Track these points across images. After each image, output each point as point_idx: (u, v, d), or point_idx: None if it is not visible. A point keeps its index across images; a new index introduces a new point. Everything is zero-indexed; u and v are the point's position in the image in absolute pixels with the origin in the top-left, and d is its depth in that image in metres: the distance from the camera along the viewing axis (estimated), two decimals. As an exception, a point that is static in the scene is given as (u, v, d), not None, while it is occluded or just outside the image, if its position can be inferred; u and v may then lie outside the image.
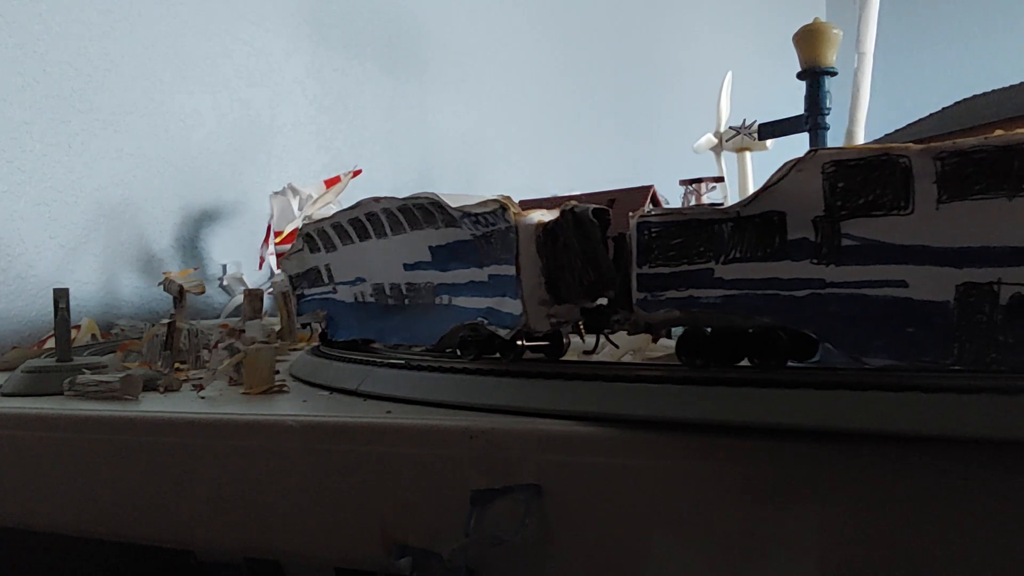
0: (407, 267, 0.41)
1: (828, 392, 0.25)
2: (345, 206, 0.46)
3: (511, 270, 0.33)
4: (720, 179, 1.01)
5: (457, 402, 0.33)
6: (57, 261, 0.82)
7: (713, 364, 0.31)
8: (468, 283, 0.37)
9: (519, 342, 0.35)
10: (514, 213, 0.32)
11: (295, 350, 0.63)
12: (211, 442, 0.36)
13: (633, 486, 0.27)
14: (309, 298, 0.53)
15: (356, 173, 0.97)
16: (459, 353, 0.39)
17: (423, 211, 0.38)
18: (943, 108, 0.62)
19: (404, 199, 0.39)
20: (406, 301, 0.42)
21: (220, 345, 0.49)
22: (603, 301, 0.33)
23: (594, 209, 0.31)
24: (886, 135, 0.63)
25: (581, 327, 0.36)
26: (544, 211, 0.33)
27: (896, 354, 0.26)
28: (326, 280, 0.50)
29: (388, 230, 0.41)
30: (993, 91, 0.60)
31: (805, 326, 0.28)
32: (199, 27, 0.97)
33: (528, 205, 0.36)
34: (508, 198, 0.33)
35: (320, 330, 0.54)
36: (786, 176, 0.27)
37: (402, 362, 0.39)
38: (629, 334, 0.33)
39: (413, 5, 1.29)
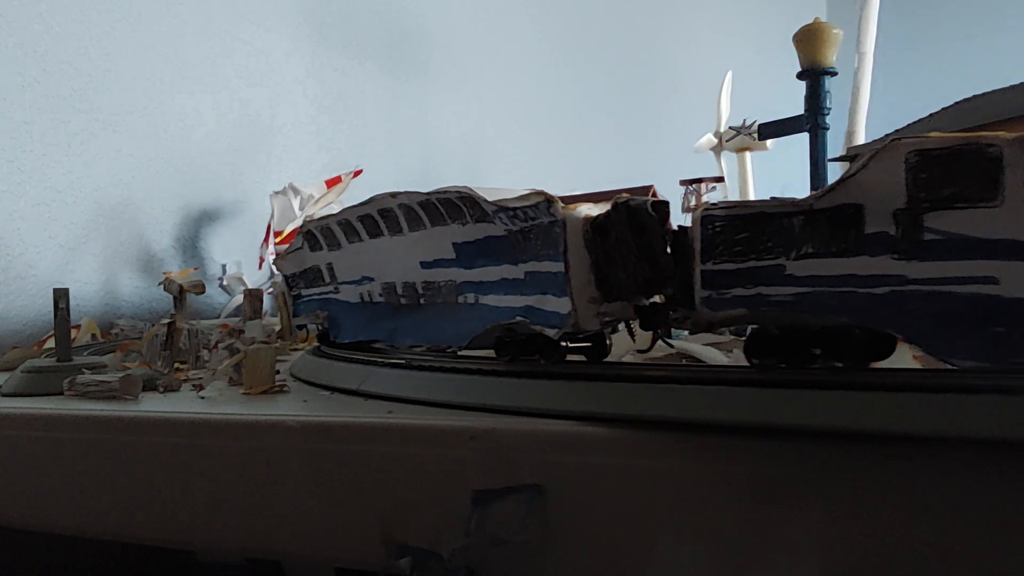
0: (425, 265, 0.40)
1: (828, 392, 0.25)
2: (347, 205, 0.46)
3: (554, 266, 0.31)
4: (720, 179, 1.01)
5: (458, 402, 0.33)
6: (57, 261, 0.82)
7: (784, 365, 0.29)
8: (499, 281, 0.36)
9: (564, 343, 0.34)
10: (562, 207, 0.31)
11: (296, 350, 0.63)
12: (211, 442, 0.36)
13: (635, 486, 0.27)
14: (307, 298, 0.52)
15: (357, 173, 0.97)
16: (496, 354, 0.37)
17: (449, 206, 0.37)
18: (943, 108, 0.62)
19: (428, 193, 0.37)
20: (422, 300, 0.41)
21: (220, 345, 0.49)
22: (657, 298, 0.32)
23: (653, 202, 0.30)
24: (886, 135, 0.63)
25: (632, 326, 0.34)
26: (590, 205, 0.31)
27: (984, 355, 0.24)
28: (327, 280, 0.49)
29: (405, 227, 0.40)
30: (993, 91, 0.59)
31: (884, 325, 0.26)
32: (199, 27, 0.97)
33: (564, 201, 0.35)
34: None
35: (318, 331, 0.54)
36: (865, 167, 0.25)
37: (403, 362, 0.39)
38: (691, 333, 0.32)
39: (414, 5, 1.29)
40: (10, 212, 0.78)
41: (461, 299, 0.38)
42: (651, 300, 0.31)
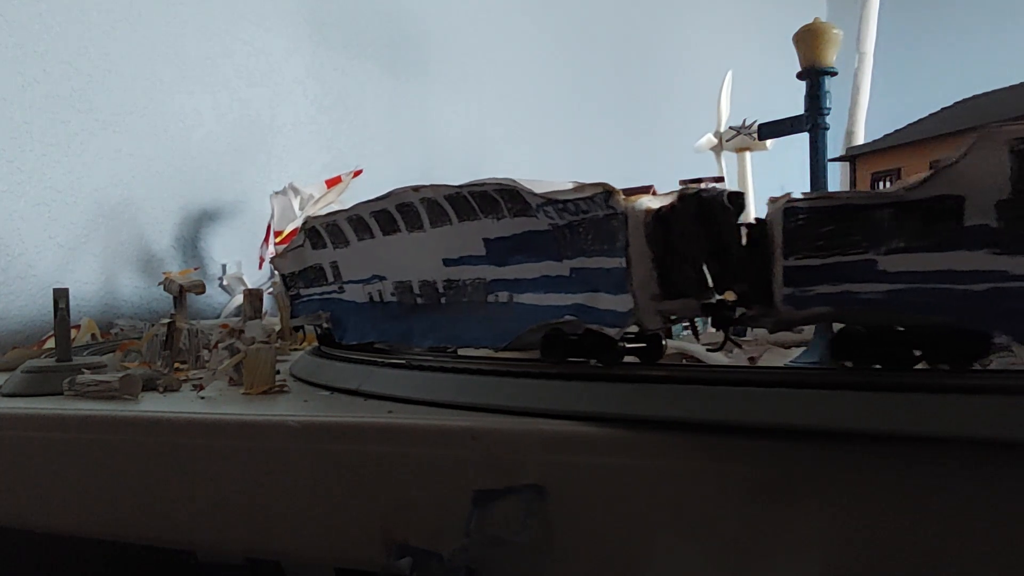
0: (448, 263, 0.38)
1: (829, 392, 0.25)
2: (347, 205, 0.45)
3: (608, 262, 0.30)
4: (720, 179, 1.01)
5: (459, 402, 0.33)
6: (57, 261, 0.82)
7: (874, 367, 0.28)
8: (539, 278, 0.34)
9: (622, 343, 0.32)
10: (623, 199, 0.29)
11: (296, 350, 0.63)
12: (211, 442, 0.36)
13: (635, 486, 0.27)
14: (306, 299, 0.50)
15: (357, 173, 0.97)
16: (542, 355, 0.35)
17: (484, 199, 0.35)
18: (943, 108, 0.62)
19: (459, 186, 0.35)
20: (442, 300, 0.39)
21: (220, 345, 0.49)
22: (725, 296, 0.30)
23: (729, 194, 0.28)
24: (886, 135, 0.63)
25: (696, 324, 0.33)
26: (649, 197, 0.29)
27: None
28: (330, 279, 0.47)
29: (426, 222, 0.38)
30: (993, 91, 0.60)
31: (982, 324, 0.25)
32: (199, 27, 0.97)
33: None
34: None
35: (317, 332, 0.52)
36: (966, 156, 0.24)
37: (403, 362, 0.39)
38: (770, 331, 0.31)
39: (414, 4, 1.29)
40: (10, 212, 0.78)
41: (491, 298, 0.37)
42: (719, 297, 0.30)
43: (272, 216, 0.93)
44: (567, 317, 0.32)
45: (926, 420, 0.23)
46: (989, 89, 0.60)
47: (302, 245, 0.48)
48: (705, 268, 0.28)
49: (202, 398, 0.43)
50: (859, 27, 0.95)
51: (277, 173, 1.05)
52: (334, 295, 0.47)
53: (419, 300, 0.41)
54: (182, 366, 0.55)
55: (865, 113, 0.93)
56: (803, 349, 0.45)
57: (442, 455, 0.30)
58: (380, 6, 1.24)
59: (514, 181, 0.33)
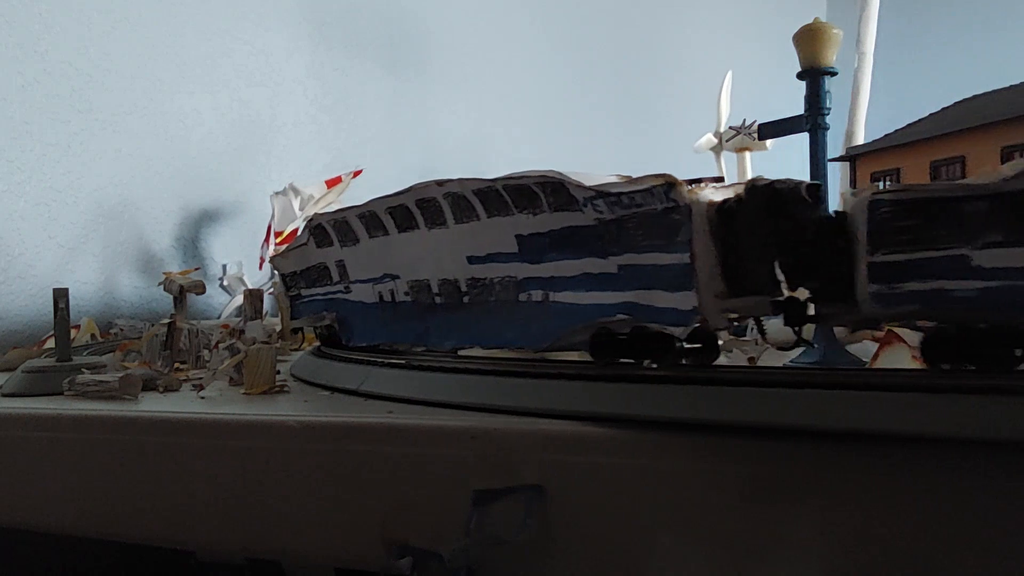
0: (474, 260, 0.37)
1: (828, 392, 0.25)
2: (348, 204, 0.43)
3: (663, 258, 0.28)
4: (720, 179, 1.01)
5: (459, 402, 0.33)
6: (57, 261, 0.82)
7: (969, 369, 0.27)
8: (580, 276, 0.33)
9: (682, 343, 0.30)
10: (687, 190, 0.27)
11: (296, 350, 0.63)
12: (211, 442, 0.36)
13: (635, 486, 0.27)
14: (308, 299, 0.49)
15: (357, 173, 0.97)
16: (592, 356, 0.33)
17: (520, 193, 0.33)
18: (943, 108, 0.62)
19: (492, 180, 0.34)
20: (465, 299, 0.38)
21: (220, 345, 0.49)
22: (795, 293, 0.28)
23: (807, 185, 0.26)
24: (886, 135, 0.63)
25: (762, 323, 0.31)
26: (711, 189, 0.28)
27: None
28: (335, 278, 0.46)
29: (449, 218, 0.37)
30: (993, 91, 0.60)
31: None
32: (199, 27, 0.97)
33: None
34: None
35: (316, 332, 0.51)
36: None
37: (403, 362, 0.39)
38: (851, 330, 0.29)
39: (414, 4, 1.29)
40: (10, 212, 0.78)
41: (523, 297, 0.35)
42: (789, 295, 0.28)
43: (272, 216, 0.93)
44: (619, 316, 0.31)
45: (926, 420, 0.23)
46: (989, 89, 0.60)
47: (305, 243, 0.47)
48: (775, 264, 0.27)
49: (202, 398, 0.43)
50: (859, 27, 0.95)
51: (277, 173, 1.05)
52: (339, 295, 0.46)
53: (437, 300, 0.39)
54: (182, 366, 0.55)
55: (865, 113, 0.93)
56: (802, 349, 0.45)
57: (442, 455, 0.30)
58: (380, 6, 1.24)
59: (560, 173, 0.31)
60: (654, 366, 0.31)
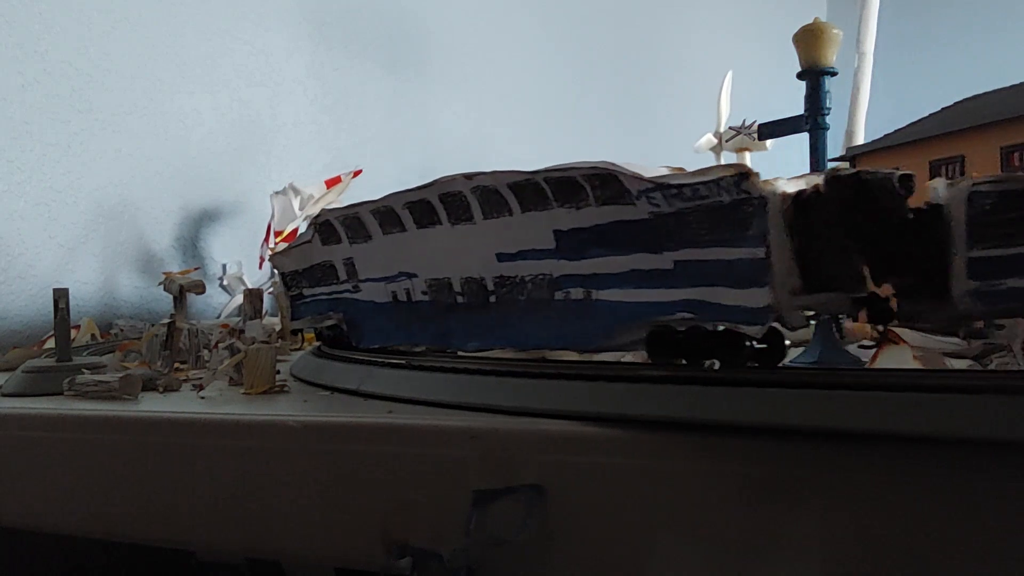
0: (504, 257, 0.35)
1: (828, 392, 0.25)
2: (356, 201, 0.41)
3: (728, 253, 0.27)
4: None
5: (458, 402, 0.33)
6: (57, 261, 0.82)
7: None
8: (628, 272, 0.31)
9: (752, 342, 0.29)
10: (761, 181, 0.26)
11: (296, 350, 0.63)
12: (211, 442, 0.36)
13: (635, 486, 0.27)
14: (311, 299, 0.47)
15: (357, 173, 0.98)
16: (650, 356, 0.32)
17: (564, 186, 0.32)
18: (943, 108, 0.62)
19: (532, 172, 0.32)
20: (492, 298, 0.36)
21: (220, 345, 0.49)
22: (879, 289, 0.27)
23: (900, 176, 0.25)
24: (886, 135, 0.63)
25: (842, 321, 0.30)
26: (783, 180, 0.27)
27: None
28: (342, 277, 0.44)
29: (477, 213, 0.35)
30: (993, 91, 0.60)
31: None
32: (199, 27, 0.97)
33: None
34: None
35: (322, 333, 0.50)
36: None
37: (403, 362, 0.39)
38: (942, 329, 0.28)
39: (414, 4, 1.29)
40: (10, 212, 0.78)
41: (559, 295, 0.34)
42: (872, 291, 0.27)
43: (272, 216, 0.93)
44: (680, 314, 0.29)
45: (926, 420, 0.23)
46: (989, 89, 0.60)
47: (309, 241, 0.45)
48: (858, 258, 0.26)
49: (202, 398, 0.42)
50: (859, 27, 0.95)
51: (277, 173, 1.05)
52: (346, 294, 0.44)
53: (459, 299, 0.38)
54: (182, 366, 0.55)
55: (865, 113, 0.93)
56: (802, 350, 0.45)
57: (442, 455, 0.30)
58: (380, 6, 1.24)
59: (614, 164, 0.30)
60: (714, 366, 0.30)
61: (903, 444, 0.24)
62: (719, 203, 0.27)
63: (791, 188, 0.26)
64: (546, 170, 0.32)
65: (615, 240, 0.31)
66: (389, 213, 0.39)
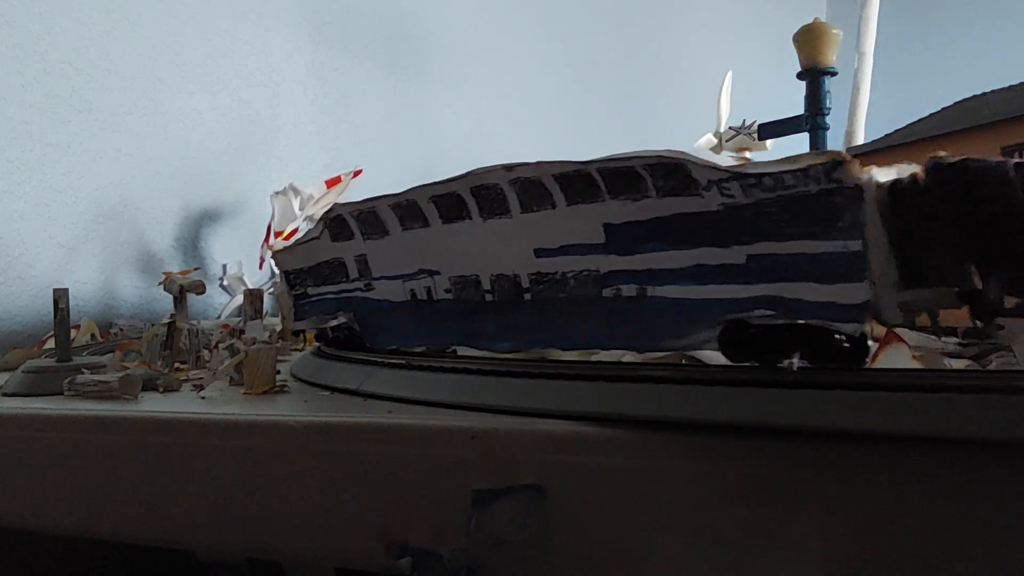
0: (542, 253, 0.33)
1: (828, 392, 0.25)
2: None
3: (812, 246, 0.26)
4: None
5: (459, 402, 0.33)
6: (57, 261, 0.82)
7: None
8: (690, 268, 0.29)
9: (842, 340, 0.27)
10: (858, 169, 0.24)
11: (296, 350, 0.63)
12: (211, 442, 0.36)
13: (635, 486, 0.27)
14: (316, 298, 0.46)
15: (357, 173, 0.98)
16: (726, 355, 0.30)
17: (619, 177, 0.30)
18: (943, 108, 0.62)
19: (584, 162, 0.30)
20: (527, 296, 0.35)
21: (221, 345, 0.49)
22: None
23: (1016, 163, 0.23)
24: (886, 135, 0.63)
25: (938, 318, 0.28)
26: (873, 168, 0.25)
27: None
28: (353, 274, 0.42)
29: (514, 207, 0.33)
30: (993, 91, 0.60)
31: None
32: (199, 27, 0.97)
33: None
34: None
35: (328, 334, 0.48)
36: None
37: (403, 362, 0.39)
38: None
39: (414, 4, 1.29)
40: (10, 212, 0.78)
41: (607, 292, 0.32)
42: (979, 286, 0.25)
43: (272, 216, 0.93)
44: (758, 312, 0.28)
45: (926, 420, 0.23)
46: (989, 89, 0.60)
47: (318, 237, 0.43)
48: (963, 251, 0.24)
49: (202, 398, 0.43)
50: (859, 27, 0.95)
51: (277, 173, 1.05)
52: (357, 293, 0.43)
53: (488, 297, 0.36)
54: (182, 366, 0.55)
55: (865, 113, 0.93)
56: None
57: (442, 455, 0.30)
58: (380, 6, 1.24)
59: (684, 153, 0.28)
60: (792, 365, 0.28)
61: (903, 444, 0.24)
62: (804, 193, 0.25)
63: (883, 176, 0.24)
64: (600, 160, 0.30)
65: (676, 234, 0.29)
66: (411, 207, 0.37)
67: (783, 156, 0.26)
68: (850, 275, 0.25)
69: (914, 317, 0.27)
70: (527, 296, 0.35)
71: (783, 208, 0.26)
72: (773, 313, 0.27)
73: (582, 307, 0.33)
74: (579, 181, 0.31)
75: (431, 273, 0.38)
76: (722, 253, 0.28)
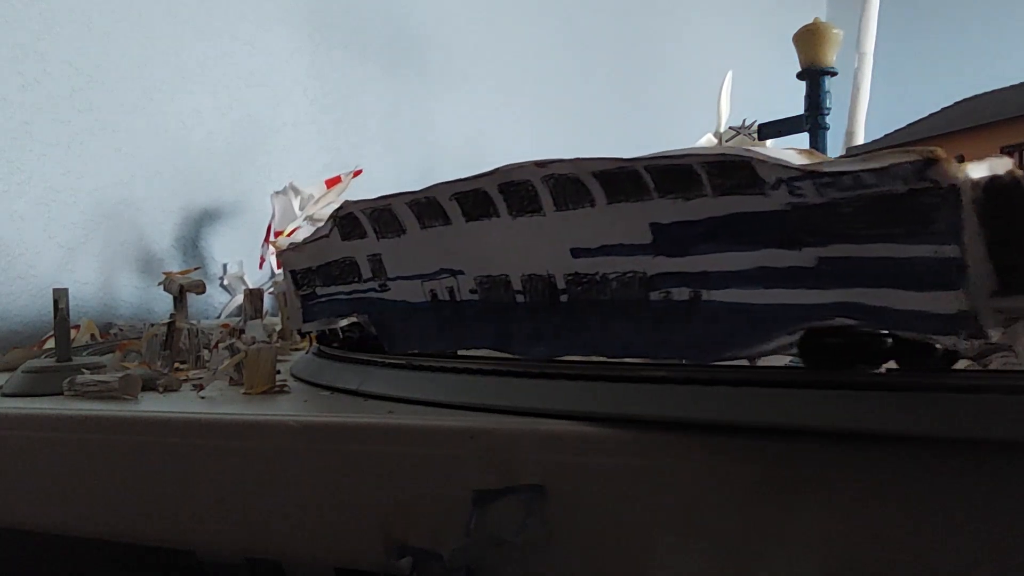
0: (580, 253, 0.32)
1: (828, 392, 0.25)
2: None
3: (897, 249, 0.24)
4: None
5: (459, 402, 0.33)
6: (57, 261, 0.82)
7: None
8: (754, 270, 0.28)
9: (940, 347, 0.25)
10: (954, 167, 0.22)
11: (296, 350, 0.63)
12: (211, 442, 0.36)
13: (635, 486, 0.27)
14: (325, 299, 0.44)
15: (357, 173, 0.98)
16: (806, 362, 0.28)
17: (671, 175, 0.28)
18: (943, 108, 0.62)
19: (630, 160, 0.29)
20: (562, 297, 0.33)
21: (220, 345, 0.49)
22: None
23: None
24: (886, 135, 0.63)
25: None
26: (969, 165, 0.24)
27: None
28: (366, 274, 0.41)
29: (548, 205, 0.32)
30: (993, 91, 0.60)
31: None
32: (199, 27, 0.97)
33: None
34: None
35: (339, 334, 0.47)
36: None
37: (403, 362, 0.39)
38: None
39: (414, 4, 1.29)
40: (10, 212, 0.78)
41: (656, 295, 0.30)
42: None
43: (272, 216, 0.93)
44: (839, 320, 0.26)
45: (926, 420, 0.23)
46: (989, 89, 0.60)
47: (327, 235, 0.42)
48: None
49: (202, 398, 0.43)
50: (859, 27, 0.95)
51: (277, 173, 1.05)
52: (371, 294, 0.41)
53: (519, 298, 0.35)
54: (182, 366, 0.55)
55: (865, 113, 0.93)
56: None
57: (442, 455, 0.30)
58: (380, 6, 1.24)
59: (749, 150, 0.27)
60: (876, 371, 0.27)
61: (903, 444, 0.24)
62: (890, 193, 0.23)
63: (976, 174, 0.23)
64: (648, 157, 0.29)
65: (735, 235, 0.28)
66: (431, 205, 0.36)
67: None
68: (944, 282, 0.23)
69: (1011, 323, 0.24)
70: (563, 298, 0.33)
71: (863, 209, 0.24)
72: (857, 322, 0.25)
73: (626, 310, 0.31)
74: (623, 178, 0.29)
75: (454, 273, 0.37)
76: (789, 255, 0.27)
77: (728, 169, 0.27)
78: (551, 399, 0.31)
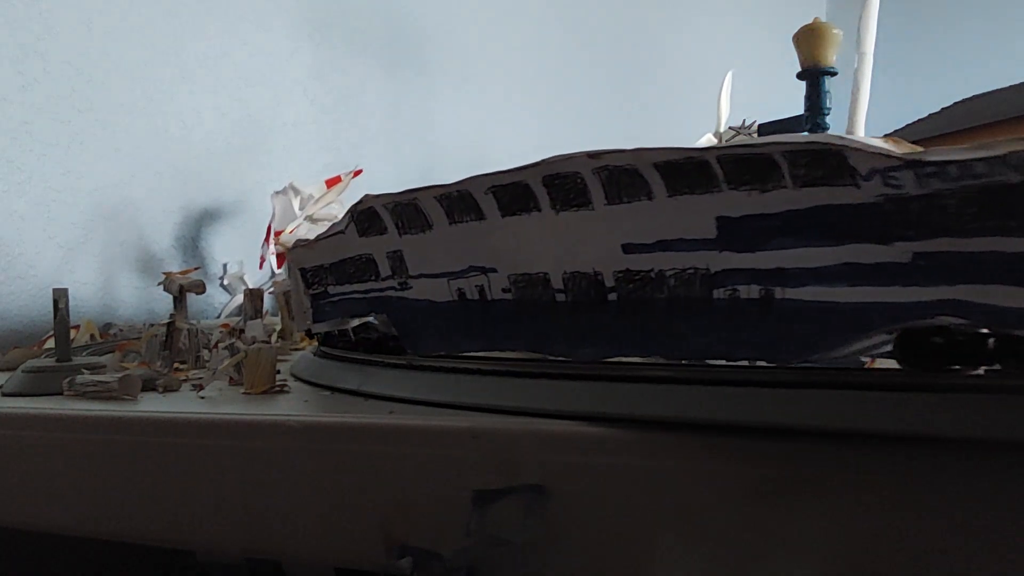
0: (632, 248, 0.30)
1: (828, 392, 0.25)
2: (347, 206, 0.40)
3: (1007, 244, 0.23)
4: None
5: (459, 402, 0.33)
6: (57, 261, 0.82)
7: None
8: (840, 266, 0.26)
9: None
10: None
11: (296, 350, 0.63)
12: (211, 442, 0.36)
13: (636, 486, 0.27)
14: (339, 298, 0.43)
15: (357, 173, 0.98)
16: (904, 362, 0.27)
17: (744, 165, 0.27)
18: (943, 108, 0.62)
19: (701, 149, 0.27)
20: (611, 296, 0.31)
21: (220, 345, 0.49)
22: None
23: None
24: (885, 135, 0.63)
25: None
26: None
27: None
28: (385, 272, 0.39)
29: (598, 198, 0.30)
30: (993, 91, 0.60)
31: None
32: (199, 27, 0.97)
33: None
34: None
35: (350, 336, 0.46)
36: None
37: (403, 362, 0.39)
38: None
39: (415, 4, 1.29)
40: (10, 212, 0.78)
41: (720, 293, 0.29)
42: None
43: (273, 216, 0.93)
44: (944, 319, 0.24)
45: (926, 420, 0.23)
46: (989, 89, 0.60)
47: (343, 231, 0.40)
48: None
49: (202, 398, 0.42)
50: (859, 27, 0.95)
51: (277, 173, 1.05)
52: (390, 292, 0.39)
53: (559, 297, 0.33)
54: (182, 366, 0.55)
55: (865, 113, 0.93)
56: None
57: (442, 455, 0.30)
58: (380, 6, 1.24)
59: (841, 138, 0.25)
60: (974, 372, 0.26)
61: (903, 444, 0.24)
62: (1001, 183, 0.22)
63: None
64: (720, 147, 0.27)
65: (817, 228, 0.26)
66: (463, 199, 0.34)
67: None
68: None
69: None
70: (612, 296, 0.31)
71: (969, 200, 0.23)
72: (966, 321, 0.24)
73: (686, 310, 0.30)
74: (689, 169, 0.28)
75: (485, 271, 0.35)
76: (877, 250, 0.25)
77: (816, 158, 0.25)
78: (551, 399, 0.31)
